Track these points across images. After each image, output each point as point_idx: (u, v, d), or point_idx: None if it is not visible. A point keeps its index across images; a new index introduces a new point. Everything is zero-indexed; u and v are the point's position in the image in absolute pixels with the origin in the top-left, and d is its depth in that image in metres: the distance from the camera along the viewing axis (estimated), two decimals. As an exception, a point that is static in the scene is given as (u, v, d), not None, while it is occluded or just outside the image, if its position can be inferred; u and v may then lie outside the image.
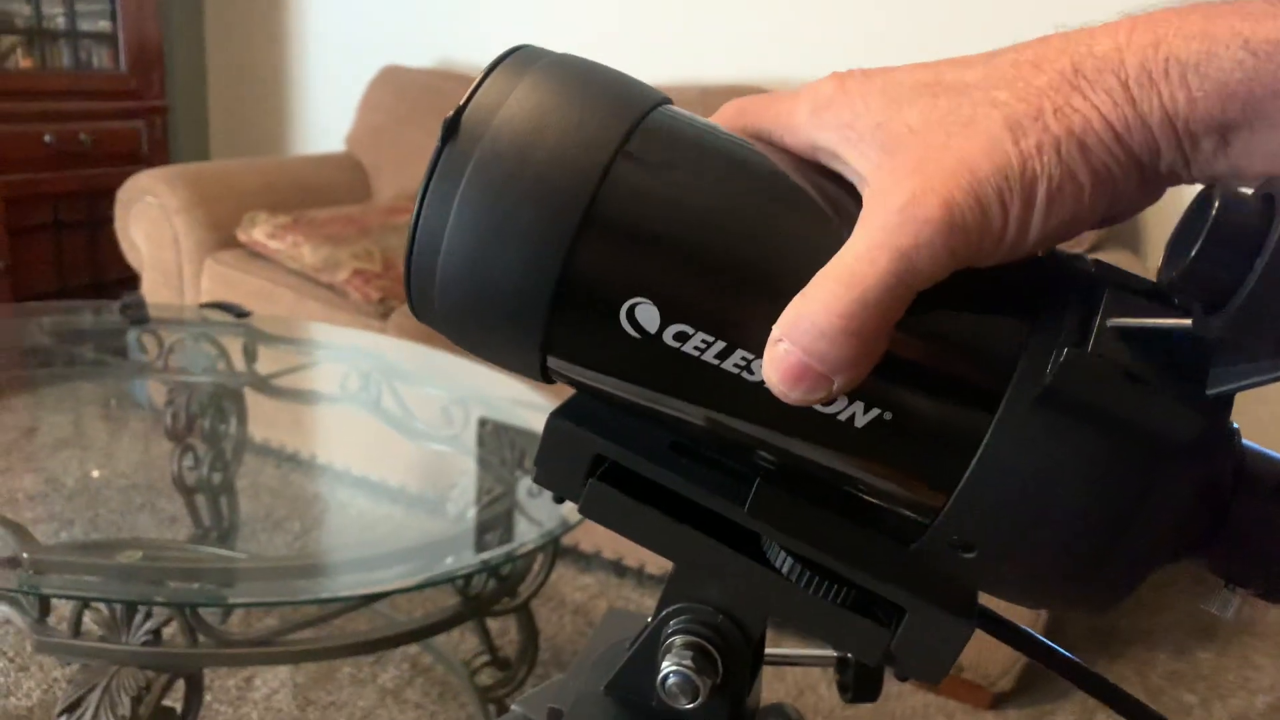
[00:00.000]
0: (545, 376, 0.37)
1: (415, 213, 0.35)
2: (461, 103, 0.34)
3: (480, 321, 0.35)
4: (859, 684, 0.50)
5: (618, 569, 2.06)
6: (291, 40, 3.44)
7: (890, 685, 1.80)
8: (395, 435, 1.75)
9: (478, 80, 0.35)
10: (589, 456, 0.39)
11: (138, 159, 3.03)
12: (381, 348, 1.90)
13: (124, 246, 2.65)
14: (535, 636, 1.58)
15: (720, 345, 0.33)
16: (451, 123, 0.34)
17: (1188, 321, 0.28)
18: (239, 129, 3.67)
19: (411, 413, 1.70)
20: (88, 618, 1.09)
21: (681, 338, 0.33)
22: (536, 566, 1.40)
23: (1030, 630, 0.45)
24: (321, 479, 2.40)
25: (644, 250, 0.33)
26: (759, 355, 0.32)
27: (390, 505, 2.15)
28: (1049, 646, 0.45)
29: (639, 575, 2.04)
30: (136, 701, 1.02)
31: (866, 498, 0.36)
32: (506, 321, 0.34)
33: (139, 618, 1.05)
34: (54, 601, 1.10)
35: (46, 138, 2.84)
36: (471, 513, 1.46)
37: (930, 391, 0.33)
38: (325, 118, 3.40)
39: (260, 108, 3.58)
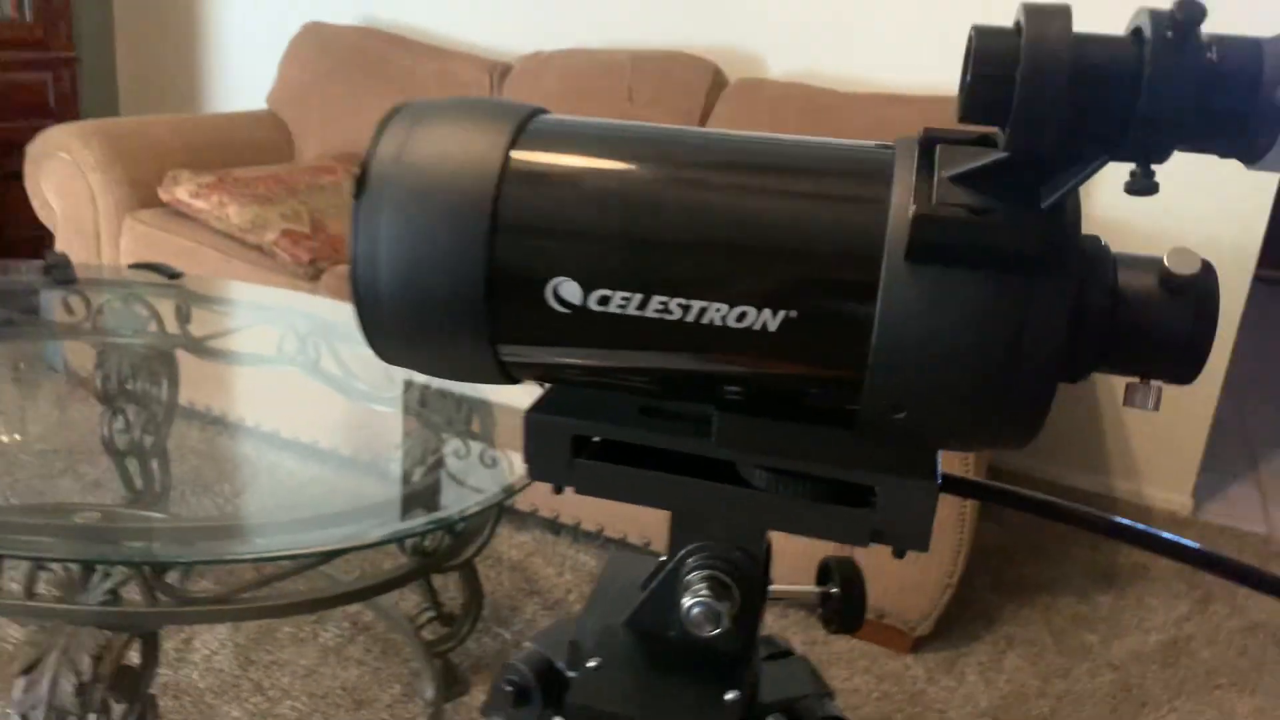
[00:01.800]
0: (505, 373, 0.43)
1: (350, 259, 0.41)
2: (364, 159, 0.41)
3: (432, 336, 0.41)
4: (842, 616, 0.55)
5: (553, 526, 2.11)
6: (205, -9, 3.33)
7: (816, 633, 1.88)
8: (331, 397, 1.75)
9: (374, 137, 0.42)
10: (569, 439, 0.45)
11: (45, 112, 2.91)
12: (318, 308, 1.89)
13: (35, 204, 2.55)
14: (480, 592, 1.62)
15: (639, 298, 0.38)
16: (360, 177, 0.40)
17: (1005, 153, 0.33)
18: (149, 83, 3.54)
19: (352, 373, 1.71)
20: (42, 579, 1.09)
21: (604, 301, 0.38)
22: (484, 525, 1.43)
23: (995, 483, 0.52)
24: (250, 442, 2.38)
25: (549, 237, 0.40)
26: (673, 296, 0.38)
27: (320, 466, 2.15)
28: (1018, 492, 0.51)
29: (575, 531, 2.09)
30: (97, 660, 1.02)
31: (811, 400, 0.41)
32: (453, 326, 0.40)
33: (96, 578, 1.05)
34: (6, 563, 1.10)
35: (-54, 88, 2.71)
36: (419, 472, 1.48)
37: (820, 277, 0.38)
38: (242, 74, 3.31)
39: (172, 62, 3.46)
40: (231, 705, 1.57)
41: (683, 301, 0.38)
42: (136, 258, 2.24)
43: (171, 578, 1.11)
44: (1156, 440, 2.47)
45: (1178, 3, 0.29)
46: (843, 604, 0.55)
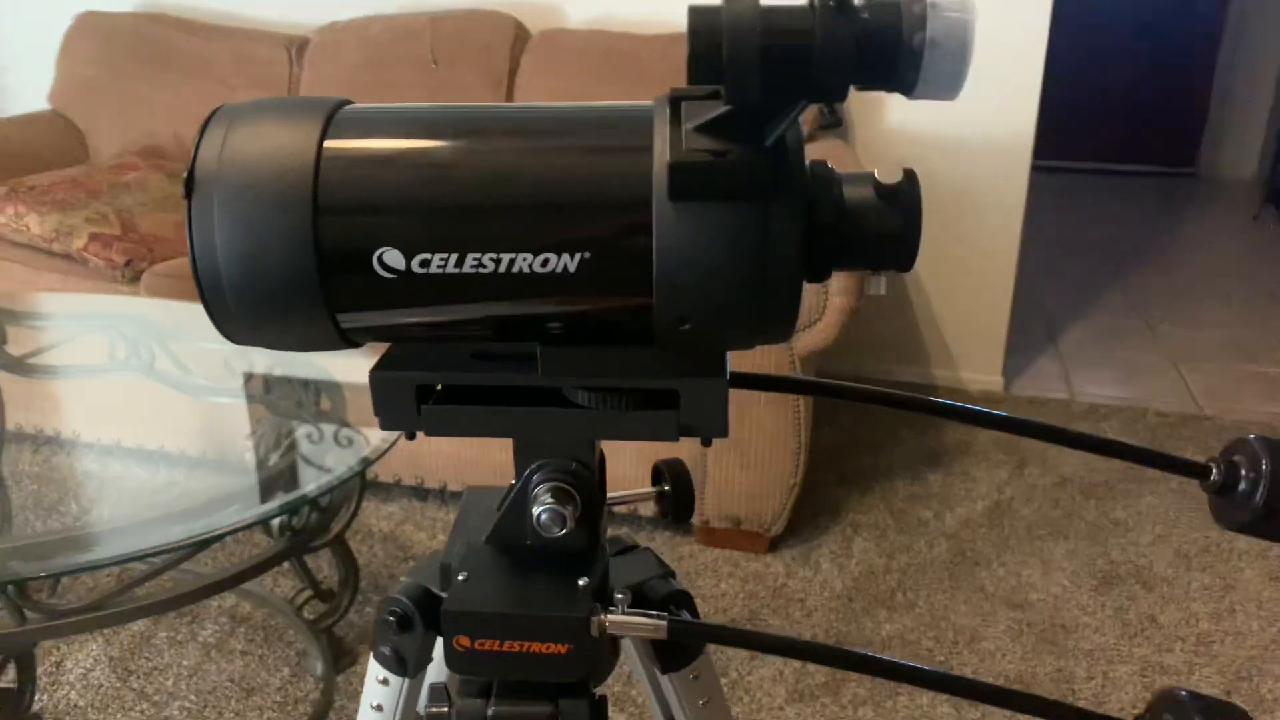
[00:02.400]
0: (346, 339, 0.49)
1: (190, 257, 0.46)
2: (190, 162, 0.46)
3: (275, 315, 0.46)
4: (675, 508, 0.64)
5: (419, 493, 2.14)
6: (-42, -11, 3.09)
7: (683, 549, 1.99)
8: (172, 398, 1.73)
9: (195, 141, 0.47)
10: (412, 389, 0.51)
11: None
12: (143, 310, 1.85)
13: None
14: (355, 566, 1.65)
15: (455, 256, 0.45)
16: (188, 179, 0.45)
17: (728, 105, 0.42)
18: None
19: (189, 370, 1.69)
20: (-102, 618, 1.07)
21: (425, 264, 0.45)
22: (349, 500, 1.46)
23: (775, 375, 0.62)
24: (91, 456, 2.30)
25: (368, 213, 0.46)
26: (484, 252, 0.45)
27: (171, 470, 2.11)
28: (795, 379, 0.61)
29: (441, 495, 2.13)
30: (-27, 687, 1.02)
31: (617, 326, 0.49)
32: (293, 304, 0.46)
33: (-41, 607, 1.04)
34: None
35: None
36: (274, 458, 1.50)
37: (605, 221, 0.45)
38: (16, 74, 3.10)
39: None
40: (117, 716, 1.56)
41: (493, 255, 0.45)
42: (-68, 283, 2.12)
43: (37, 593, 1.11)
44: (965, 329, 2.69)
45: None
46: (674, 497, 0.64)
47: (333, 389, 1.62)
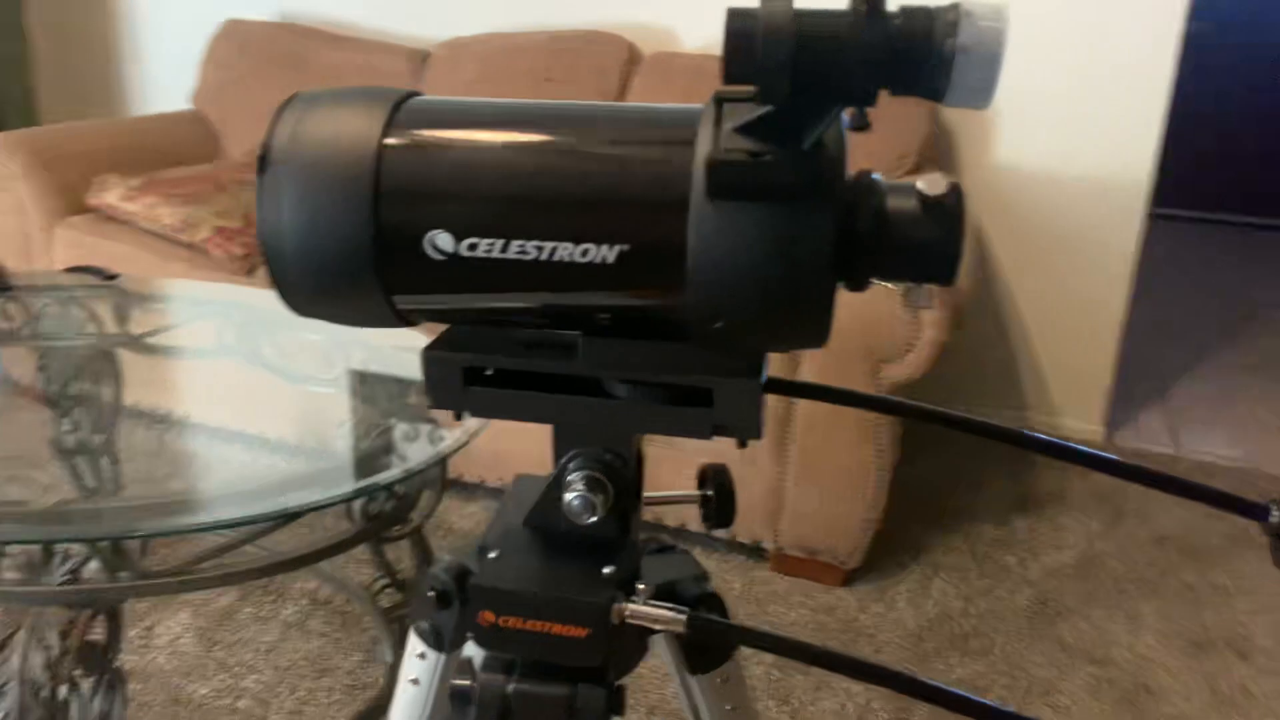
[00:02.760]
0: (402, 319, 0.51)
1: (258, 229, 0.49)
2: (265, 141, 0.50)
3: (333, 288, 0.49)
4: (718, 513, 0.65)
5: (501, 495, 2.19)
6: (119, -5, 3.32)
7: (756, 574, 1.98)
8: (275, 387, 1.81)
9: (271, 123, 0.51)
10: (461, 371, 0.53)
11: (-35, 126, 2.90)
12: (253, 300, 1.94)
13: (-38, 218, 2.56)
14: (430, 559, 1.70)
15: (501, 242, 0.47)
16: (262, 156, 0.48)
17: (769, 106, 0.43)
18: (69, 92, 3.52)
19: (291, 358, 1.77)
20: (4, 565, 1.15)
21: (473, 247, 0.47)
22: (428, 492, 1.51)
23: (816, 383, 0.62)
24: (199, 436, 2.42)
25: (424, 198, 0.49)
26: (528, 239, 0.47)
27: (271, 456, 2.20)
28: (829, 389, 0.61)
29: (521, 500, 2.17)
30: (64, 635, 1.09)
31: (656, 321, 0.50)
32: (351, 280, 0.49)
33: (57, 559, 1.12)
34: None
35: None
36: (364, 446, 1.56)
37: (644, 215, 0.47)
38: (164, 76, 3.31)
39: (91, 69, 3.45)
40: (198, 684, 1.64)
41: (537, 243, 0.47)
42: (70, 264, 2.27)
43: (130, 554, 1.18)
44: (1067, 374, 2.61)
45: None
46: (717, 502, 0.65)
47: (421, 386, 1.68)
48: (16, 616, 1.10)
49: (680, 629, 0.51)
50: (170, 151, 2.77)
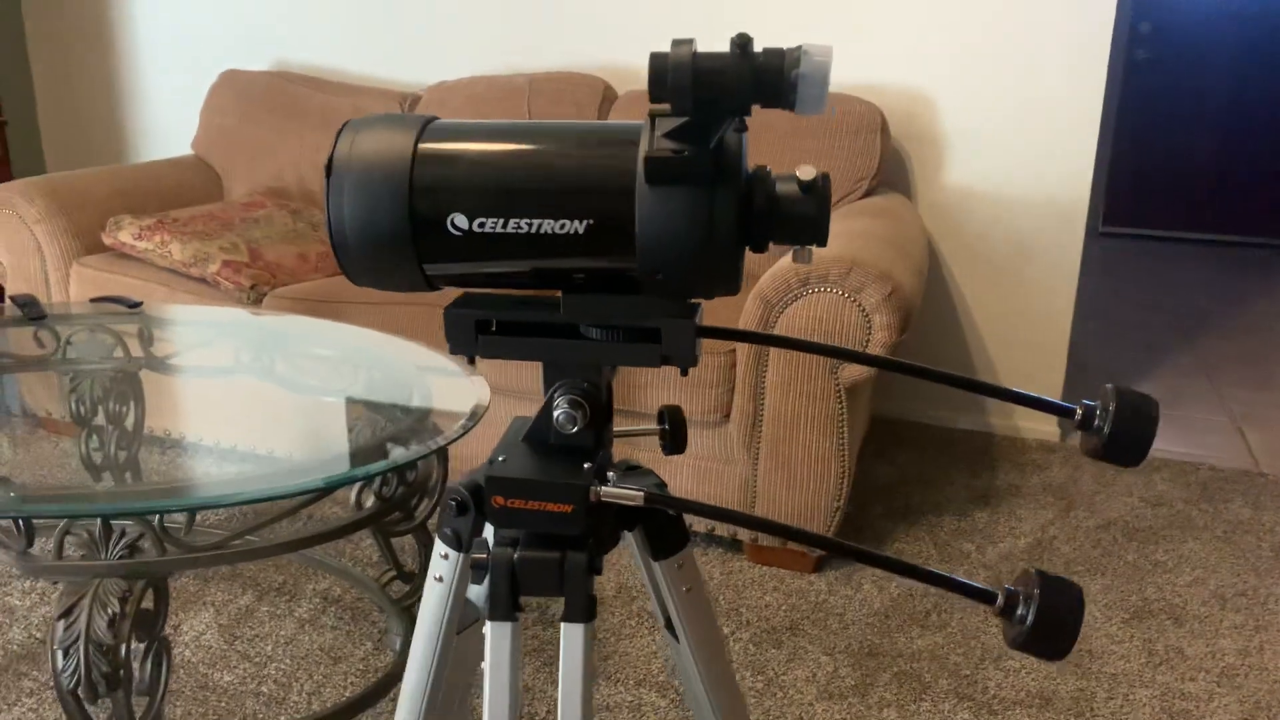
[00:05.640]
0: (430, 283, 0.69)
1: (325, 220, 0.67)
2: (331, 153, 0.69)
3: (383, 263, 0.68)
4: (673, 441, 0.82)
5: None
6: (120, 49, 3.52)
7: (733, 564, 2.14)
8: (287, 398, 1.98)
9: (335, 140, 0.69)
10: (472, 323, 0.71)
11: (-21, 175, 3.08)
12: (266, 323, 2.12)
13: (-17, 259, 2.73)
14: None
15: (502, 220, 0.65)
16: (328, 165, 0.66)
17: (685, 118, 0.61)
18: (74, 140, 3.71)
19: (304, 371, 1.94)
20: (68, 543, 1.31)
21: (481, 225, 0.66)
22: (431, 480, 1.67)
23: (742, 330, 0.80)
24: (212, 457, 2.58)
25: (445, 191, 0.67)
26: (521, 218, 0.65)
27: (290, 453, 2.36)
28: (755, 334, 0.79)
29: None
30: (124, 601, 1.25)
31: (614, 276, 0.68)
32: (396, 255, 0.67)
33: (115, 536, 1.28)
34: (37, 536, 1.32)
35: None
36: (378, 437, 1.72)
37: (605, 199, 0.65)
38: (165, 124, 3.50)
39: (93, 117, 3.64)
40: (223, 673, 1.79)
41: (528, 221, 0.65)
42: (87, 300, 2.44)
43: (176, 533, 1.34)
44: (1021, 382, 2.80)
45: (739, 35, 0.57)
46: (672, 433, 0.82)
47: (424, 390, 1.85)
48: (79, 588, 1.26)
49: (640, 503, 0.68)
50: (176, 193, 2.95)
